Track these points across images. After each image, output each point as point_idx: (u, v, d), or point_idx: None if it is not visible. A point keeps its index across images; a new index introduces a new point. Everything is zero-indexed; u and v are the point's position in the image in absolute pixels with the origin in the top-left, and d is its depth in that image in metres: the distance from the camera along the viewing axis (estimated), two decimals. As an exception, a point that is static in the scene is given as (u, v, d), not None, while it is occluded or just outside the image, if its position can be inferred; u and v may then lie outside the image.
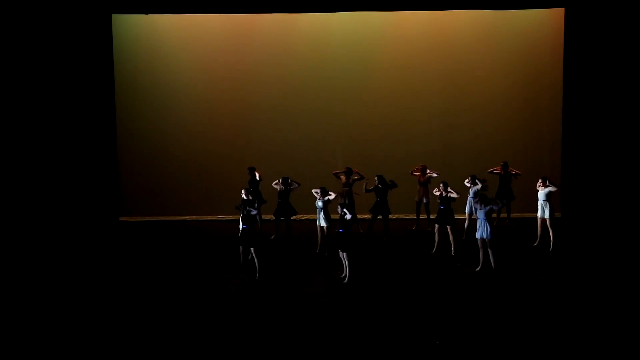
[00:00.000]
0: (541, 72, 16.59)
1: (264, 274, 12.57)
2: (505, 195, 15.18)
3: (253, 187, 14.44)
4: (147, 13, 16.06)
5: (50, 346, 9.72)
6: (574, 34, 15.81)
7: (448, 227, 13.63)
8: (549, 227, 13.88)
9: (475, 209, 12.99)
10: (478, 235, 12.59)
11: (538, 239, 14.09)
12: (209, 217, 16.59)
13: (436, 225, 13.78)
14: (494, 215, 14.26)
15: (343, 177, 14.88)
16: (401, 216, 16.19)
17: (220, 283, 12.37)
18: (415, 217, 15.62)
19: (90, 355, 9.51)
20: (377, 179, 14.43)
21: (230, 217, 15.77)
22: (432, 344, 9.68)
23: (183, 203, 16.61)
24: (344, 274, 12.38)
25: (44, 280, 12.39)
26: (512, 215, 15.50)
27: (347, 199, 14.56)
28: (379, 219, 14.54)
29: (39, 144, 15.43)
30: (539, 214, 14.04)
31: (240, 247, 12.73)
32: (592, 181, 15.89)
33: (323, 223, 13.63)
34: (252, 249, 12.64)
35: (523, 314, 10.71)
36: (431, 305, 11.25)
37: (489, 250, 12.54)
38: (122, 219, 16.62)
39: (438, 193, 13.67)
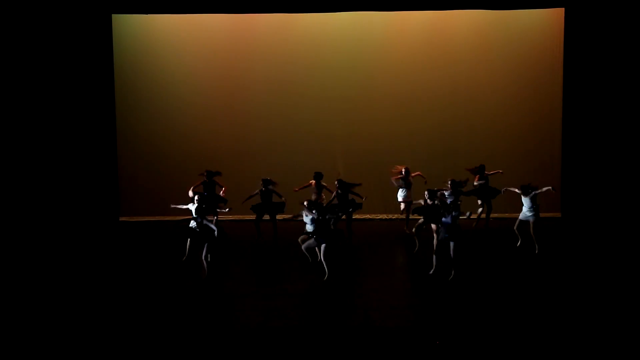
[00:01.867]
0: (541, 72, 16.59)
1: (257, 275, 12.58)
2: (486, 197, 15.15)
3: (209, 191, 14.35)
4: (147, 13, 16.07)
5: (50, 346, 9.72)
6: (574, 34, 15.82)
7: (432, 227, 13.34)
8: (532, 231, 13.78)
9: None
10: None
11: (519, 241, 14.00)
12: (208, 217, 16.55)
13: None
14: (475, 216, 14.54)
15: (313, 182, 14.73)
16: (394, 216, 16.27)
17: (219, 283, 12.38)
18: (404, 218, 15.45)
19: (90, 355, 9.50)
20: (337, 183, 14.27)
21: (230, 217, 15.77)
22: (432, 344, 9.69)
23: (183, 203, 16.55)
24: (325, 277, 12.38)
25: (44, 280, 12.38)
26: (502, 215, 15.53)
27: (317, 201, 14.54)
28: (343, 218, 14.41)
29: (38, 144, 15.43)
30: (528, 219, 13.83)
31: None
32: (592, 181, 15.89)
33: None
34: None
35: (522, 316, 10.70)
36: (428, 305, 11.27)
37: (451, 254, 12.42)
38: (122, 219, 16.63)
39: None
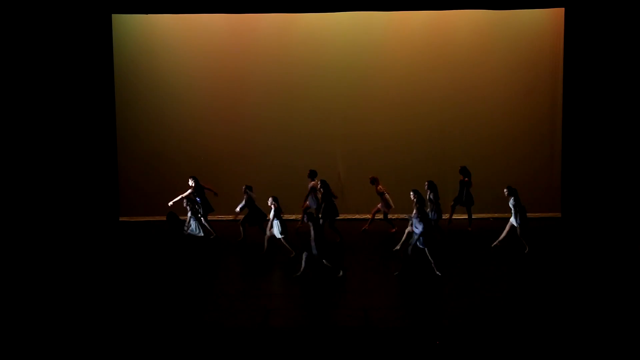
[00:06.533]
0: (541, 72, 16.59)
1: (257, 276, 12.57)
2: (467, 200, 15.32)
3: (200, 194, 14.62)
4: (147, 13, 16.07)
5: (50, 346, 9.72)
6: (574, 34, 15.82)
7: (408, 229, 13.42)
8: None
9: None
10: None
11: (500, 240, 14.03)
12: (208, 217, 16.57)
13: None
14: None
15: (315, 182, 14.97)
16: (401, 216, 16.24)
17: (219, 283, 12.38)
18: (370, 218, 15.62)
19: (90, 355, 9.51)
20: (320, 183, 14.46)
21: (230, 217, 15.79)
22: (432, 344, 9.69)
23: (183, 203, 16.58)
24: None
25: (44, 280, 12.38)
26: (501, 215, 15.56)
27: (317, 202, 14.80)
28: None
29: (38, 144, 15.42)
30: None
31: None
32: (592, 181, 15.89)
33: (276, 231, 13.45)
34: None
35: (522, 316, 10.70)
36: (428, 305, 11.28)
37: (430, 258, 12.46)
38: (122, 219, 16.63)
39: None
